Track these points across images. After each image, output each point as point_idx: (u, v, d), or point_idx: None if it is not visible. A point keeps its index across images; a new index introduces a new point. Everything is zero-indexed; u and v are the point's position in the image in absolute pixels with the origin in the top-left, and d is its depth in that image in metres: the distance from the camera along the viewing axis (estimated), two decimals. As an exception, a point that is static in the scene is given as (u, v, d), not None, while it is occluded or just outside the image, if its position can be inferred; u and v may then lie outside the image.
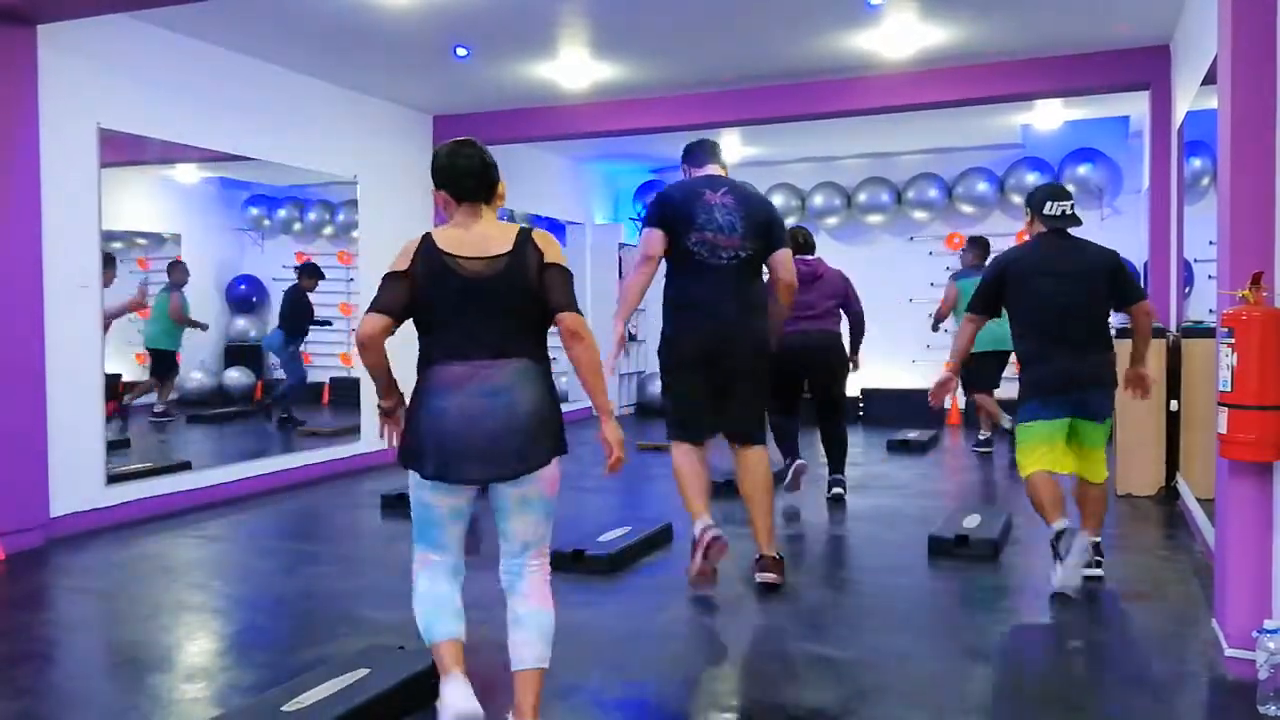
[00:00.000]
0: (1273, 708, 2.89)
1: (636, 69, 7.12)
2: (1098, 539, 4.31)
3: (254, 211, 8.04)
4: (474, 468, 2.59)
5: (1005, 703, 3.07)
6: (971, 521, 4.96)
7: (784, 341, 5.04)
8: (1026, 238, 4.51)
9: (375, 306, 2.62)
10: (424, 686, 3.08)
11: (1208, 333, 4.53)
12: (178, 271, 7.87)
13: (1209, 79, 4.52)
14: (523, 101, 8.03)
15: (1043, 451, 4.14)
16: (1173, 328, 6.30)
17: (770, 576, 4.27)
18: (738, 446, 4.39)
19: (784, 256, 4.30)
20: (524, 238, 2.67)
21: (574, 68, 7.02)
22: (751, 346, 4.26)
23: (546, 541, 2.77)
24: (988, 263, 5.14)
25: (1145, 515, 5.63)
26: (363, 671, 3.06)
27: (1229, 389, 3.11)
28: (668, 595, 4.24)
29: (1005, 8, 5.87)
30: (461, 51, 6.60)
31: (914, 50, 6.65)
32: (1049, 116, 8.95)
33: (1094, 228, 9.70)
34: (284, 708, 2.81)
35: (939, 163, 10.37)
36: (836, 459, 6.29)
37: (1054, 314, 4.17)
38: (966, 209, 10.19)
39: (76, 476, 5.40)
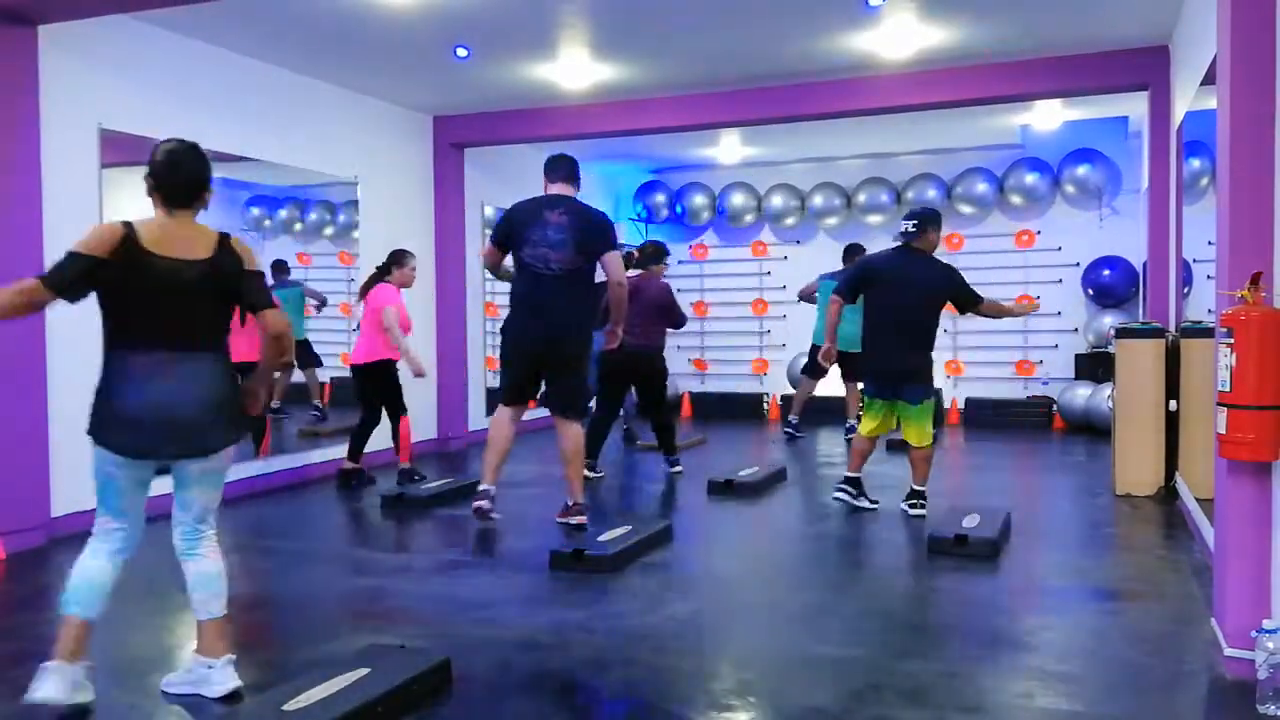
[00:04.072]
0: (1272, 707, 2.89)
1: (636, 69, 7.13)
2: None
3: (255, 212, 8.03)
4: (167, 446, 2.99)
5: (1005, 703, 3.08)
6: (971, 521, 4.96)
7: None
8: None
9: (49, 280, 2.87)
10: (425, 686, 3.09)
11: (1206, 333, 4.54)
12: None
13: (1208, 79, 4.53)
14: (523, 102, 8.04)
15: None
16: (1172, 328, 6.30)
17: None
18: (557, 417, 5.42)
19: (616, 262, 5.27)
20: (223, 244, 3.05)
21: (574, 68, 7.02)
22: (543, 341, 5.30)
23: (216, 507, 3.28)
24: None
25: (1144, 515, 5.63)
26: (363, 671, 3.06)
27: (1228, 389, 3.12)
28: (668, 595, 4.24)
29: (1004, 8, 5.88)
30: (462, 52, 6.60)
31: (913, 51, 6.65)
32: (1048, 117, 8.95)
33: (1093, 228, 9.74)
34: (284, 707, 2.81)
35: (938, 163, 10.38)
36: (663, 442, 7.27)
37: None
38: (966, 209, 10.19)
39: (77, 476, 5.38)
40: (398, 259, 6.76)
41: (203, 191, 3.08)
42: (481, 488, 5.44)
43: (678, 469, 7.20)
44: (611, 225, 5.48)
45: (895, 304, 5.50)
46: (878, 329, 5.59)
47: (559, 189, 5.41)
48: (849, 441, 8.75)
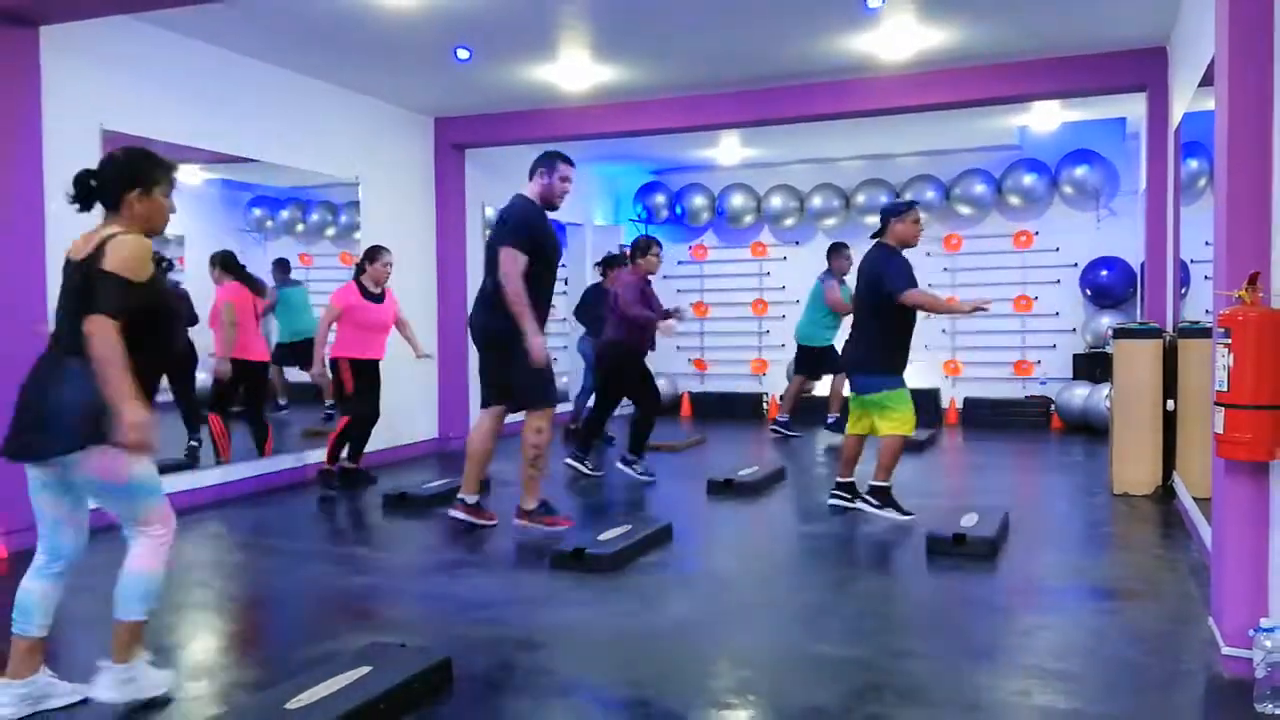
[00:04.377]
0: (1269, 706, 2.91)
1: (637, 71, 7.14)
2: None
3: (257, 213, 8.04)
4: (14, 445, 2.90)
5: (1002, 701, 3.09)
6: (969, 520, 4.97)
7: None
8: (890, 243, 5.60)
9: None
10: (426, 684, 3.10)
11: (1204, 333, 4.56)
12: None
13: (1206, 81, 4.54)
14: (523, 103, 8.05)
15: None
16: (1169, 328, 6.32)
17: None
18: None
19: (500, 257, 5.09)
20: (101, 244, 2.85)
21: (574, 69, 7.03)
22: (481, 336, 5.35)
23: (143, 518, 2.98)
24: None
25: (1142, 514, 5.65)
26: (364, 669, 3.07)
27: (1225, 389, 3.13)
28: (668, 595, 4.25)
29: (1003, 10, 5.89)
30: (463, 53, 6.61)
31: (912, 52, 6.67)
32: (1046, 118, 8.97)
33: (1091, 229, 9.75)
34: (286, 705, 2.82)
35: (937, 164, 10.39)
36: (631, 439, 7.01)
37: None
38: (964, 210, 10.21)
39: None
40: (370, 255, 6.68)
41: (115, 194, 2.93)
42: (459, 496, 5.44)
43: (628, 469, 6.92)
44: (513, 217, 5.15)
45: (853, 297, 5.84)
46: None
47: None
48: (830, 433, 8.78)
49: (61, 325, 2.93)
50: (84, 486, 2.95)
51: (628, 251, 7.29)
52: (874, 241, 5.68)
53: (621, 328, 6.92)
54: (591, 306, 8.74)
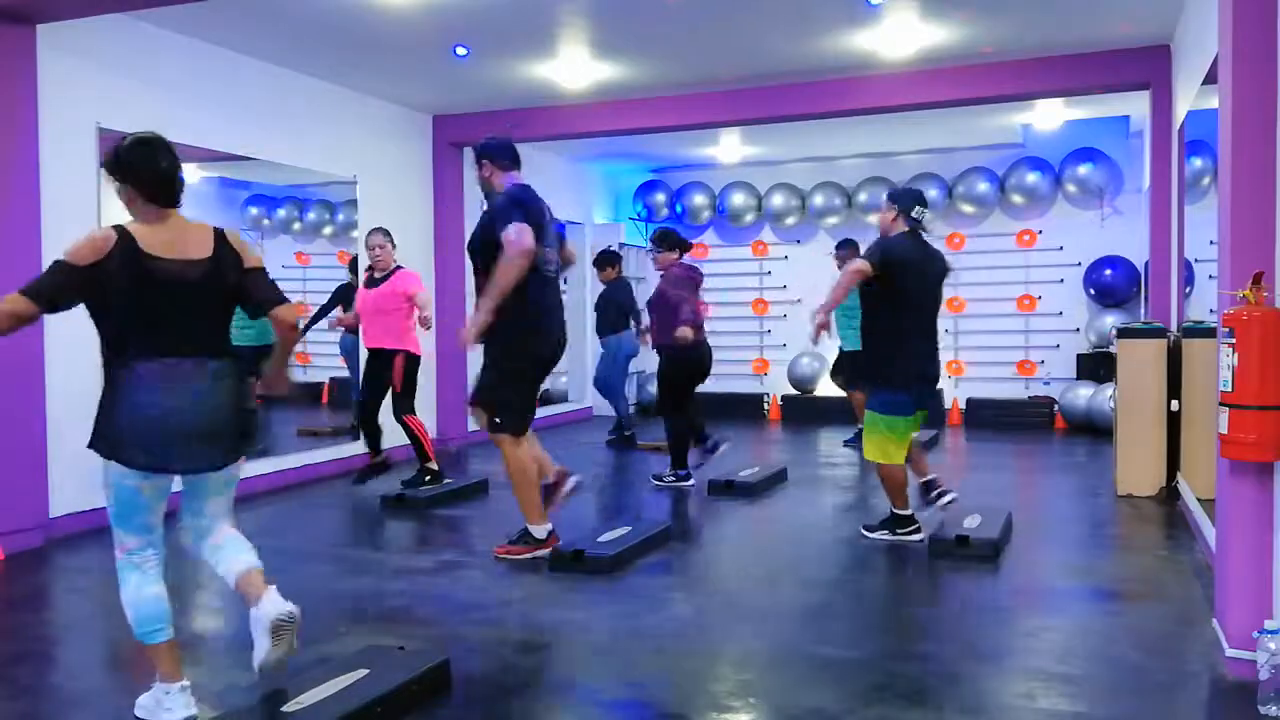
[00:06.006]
0: (1273, 708, 2.89)
1: (636, 69, 7.12)
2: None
3: (254, 211, 8.02)
4: (191, 458, 2.83)
5: (1006, 704, 3.07)
6: (972, 522, 4.95)
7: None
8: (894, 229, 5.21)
9: (31, 293, 2.67)
10: (425, 686, 3.09)
11: (1208, 333, 4.53)
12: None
13: (1210, 79, 4.52)
14: (523, 101, 8.03)
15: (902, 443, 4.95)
16: (1173, 327, 6.29)
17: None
18: None
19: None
20: (220, 240, 2.89)
21: (574, 67, 7.02)
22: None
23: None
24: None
25: (1146, 515, 5.62)
26: (362, 672, 3.05)
27: (1230, 389, 3.11)
28: (668, 595, 4.23)
29: (1005, 7, 5.87)
30: (461, 51, 6.60)
31: (914, 50, 6.65)
32: (1049, 116, 8.95)
33: (1094, 227, 9.73)
34: (284, 708, 2.81)
35: (939, 162, 10.37)
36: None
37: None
38: (967, 209, 10.18)
39: (76, 477, 5.39)
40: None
41: (182, 186, 2.88)
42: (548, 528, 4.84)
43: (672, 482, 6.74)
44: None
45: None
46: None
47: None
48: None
49: (196, 329, 2.83)
50: (227, 484, 3.05)
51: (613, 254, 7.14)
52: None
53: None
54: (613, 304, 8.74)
